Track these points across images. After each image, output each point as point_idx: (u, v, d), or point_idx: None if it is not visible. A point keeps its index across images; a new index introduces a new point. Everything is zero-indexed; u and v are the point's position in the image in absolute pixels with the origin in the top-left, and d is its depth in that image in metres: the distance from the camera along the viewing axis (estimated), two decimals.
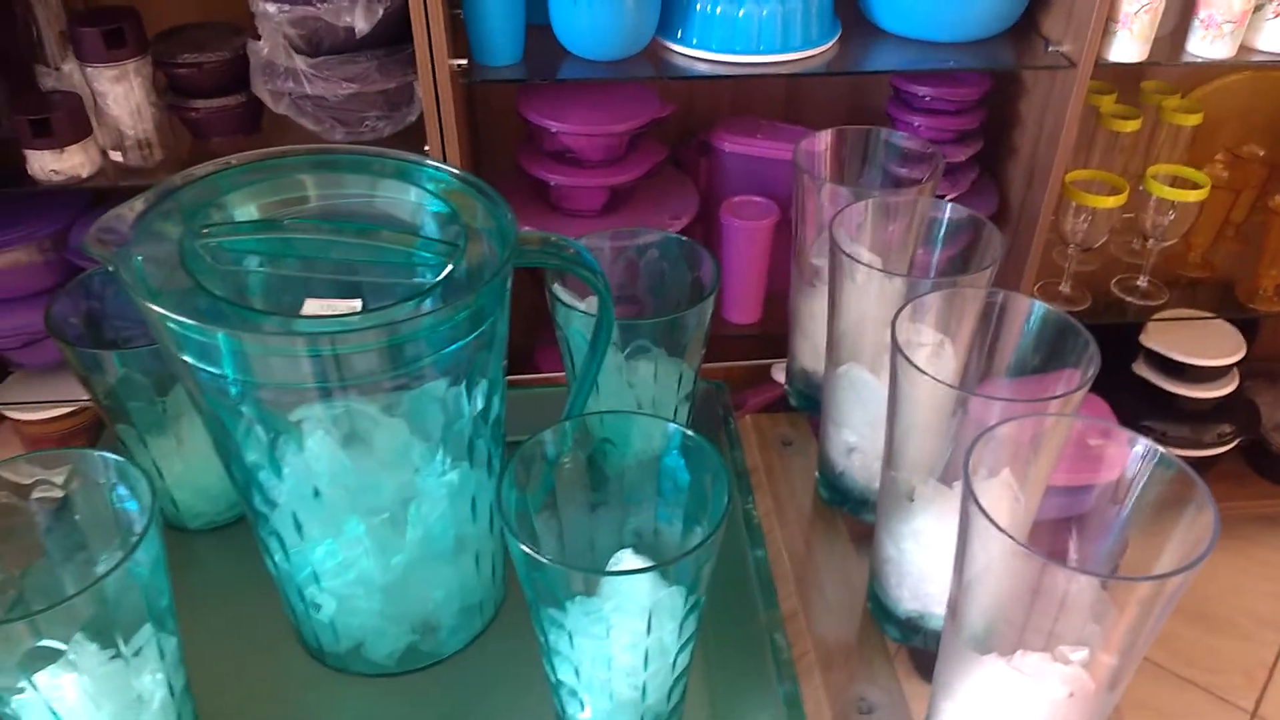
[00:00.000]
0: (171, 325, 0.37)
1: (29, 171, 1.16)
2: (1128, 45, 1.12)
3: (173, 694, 0.43)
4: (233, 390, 0.39)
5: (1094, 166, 1.33)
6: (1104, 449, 0.40)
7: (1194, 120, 1.29)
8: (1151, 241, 1.31)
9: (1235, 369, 1.44)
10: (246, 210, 0.42)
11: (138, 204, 0.41)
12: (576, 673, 0.43)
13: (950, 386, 0.43)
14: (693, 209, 1.29)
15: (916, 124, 1.25)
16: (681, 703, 0.46)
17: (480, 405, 0.43)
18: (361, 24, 1.13)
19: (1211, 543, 0.35)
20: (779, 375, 0.71)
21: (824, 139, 0.60)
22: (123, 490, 0.41)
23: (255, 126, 1.28)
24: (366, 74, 1.18)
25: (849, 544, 0.58)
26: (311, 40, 1.16)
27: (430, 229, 0.43)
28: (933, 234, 0.54)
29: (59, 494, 0.41)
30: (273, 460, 0.42)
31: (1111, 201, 1.23)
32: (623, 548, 0.44)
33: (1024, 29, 1.21)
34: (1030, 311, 0.47)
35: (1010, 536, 0.35)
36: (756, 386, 0.78)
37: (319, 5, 1.13)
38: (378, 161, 0.43)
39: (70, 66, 1.18)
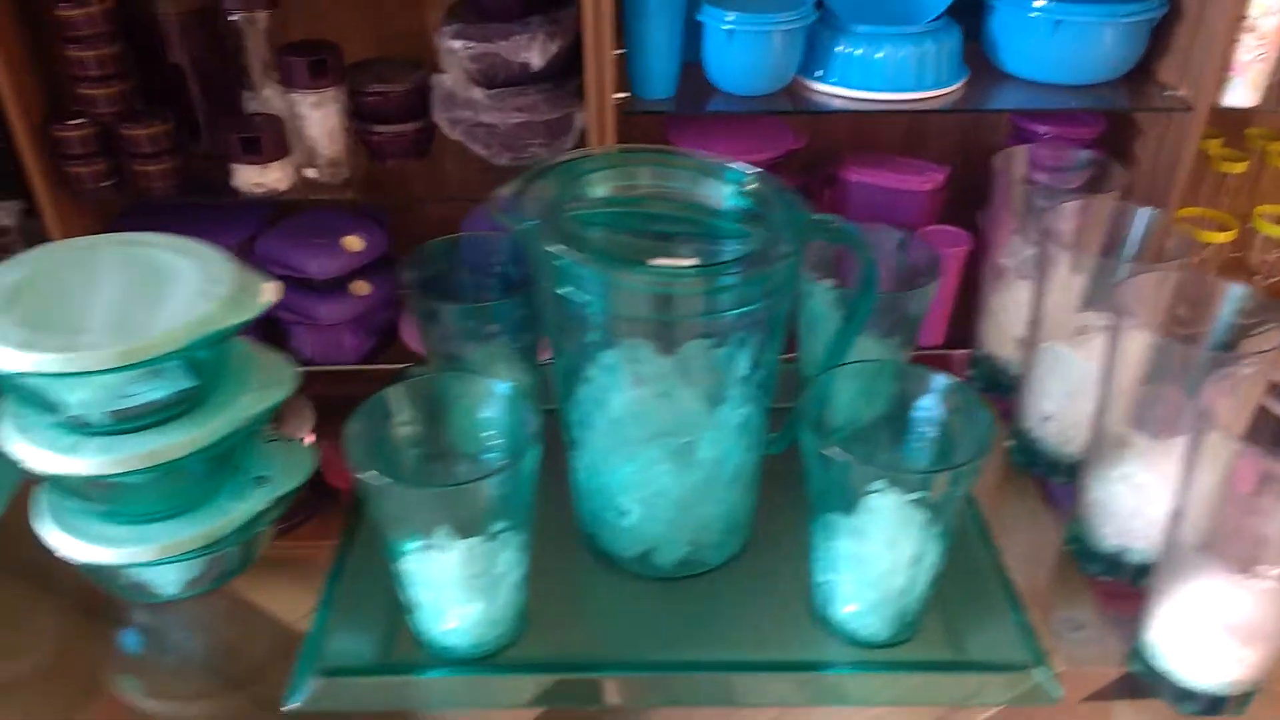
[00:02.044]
0: (560, 263, 0.47)
1: (234, 184, 1.30)
2: (1241, 92, 1.21)
3: (521, 577, 0.53)
4: (594, 317, 0.49)
5: (1201, 206, 1.41)
6: None
7: None
8: (1258, 278, 1.39)
9: None
10: (598, 190, 0.53)
11: (515, 185, 0.52)
12: (845, 571, 0.53)
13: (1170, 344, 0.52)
14: None
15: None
16: (924, 612, 0.55)
17: (768, 356, 0.54)
18: (536, 60, 1.26)
19: None
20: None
21: (1021, 155, 0.70)
22: (521, 410, 0.51)
23: (426, 151, 1.41)
24: (535, 105, 1.31)
25: (1039, 502, 0.66)
26: (488, 74, 1.29)
27: (735, 210, 0.54)
28: (1119, 231, 0.63)
29: None
30: (604, 387, 0.53)
31: (1222, 237, 1.31)
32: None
33: (1140, 74, 1.31)
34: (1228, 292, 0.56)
35: (1240, 441, 0.45)
36: None
37: (499, 43, 1.26)
38: (694, 161, 0.54)
39: (270, 92, 1.32)
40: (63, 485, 0.53)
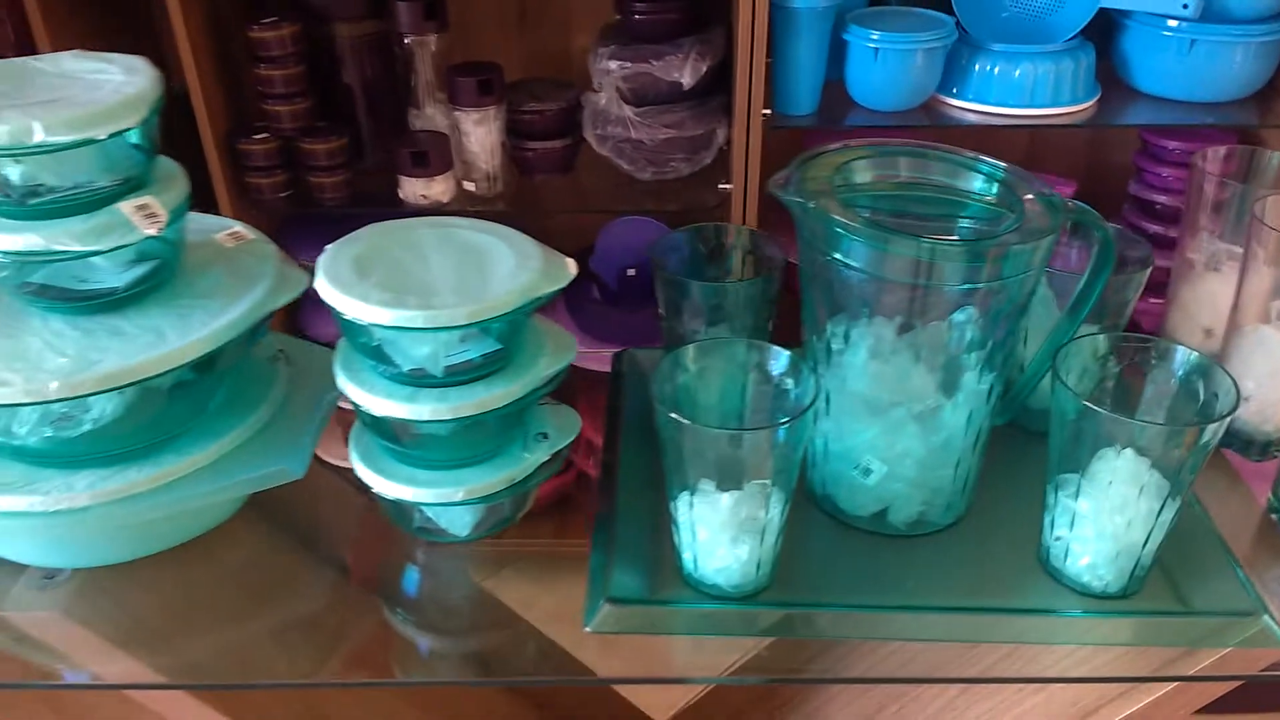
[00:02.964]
0: (838, 229, 0.54)
1: (400, 195, 1.40)
2: None
3: (782, 526, 0.59)
4: (859, 287, 0.56)
5: None
6: None
7: None
8: None
9: None
10: (861, 177, 0.60)
11: (787, 170, 0.59)
12: (1080, 528, 0.58)
13: None
14: None
15: (1165, 175, 1.39)
16: (1151, 567, 0.60)
17: (1014, 329, 0.59)
18: (688, 79, 1.34)
19: None
20: None
21: (1216, 156, 0.76)
22: (792, 381, 0.58)
23: (571, 166, 1.50)
24: (682, 121, 1.38)
25: (1234, 473, 0.71)
26: (639, 92, 1.37)
27: (989, 198, 0.60)
28: None
29: None
30: (858, 355, 0.59)
31: None
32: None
33: (1270, 92, 1.35)
34: None
35: None
36: None
37: (653, 63, 1.34)
38: (948, 155, 0.60)
39: (433, 110, 1.42)
40: (381, 429, 0.60)
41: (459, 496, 0.60)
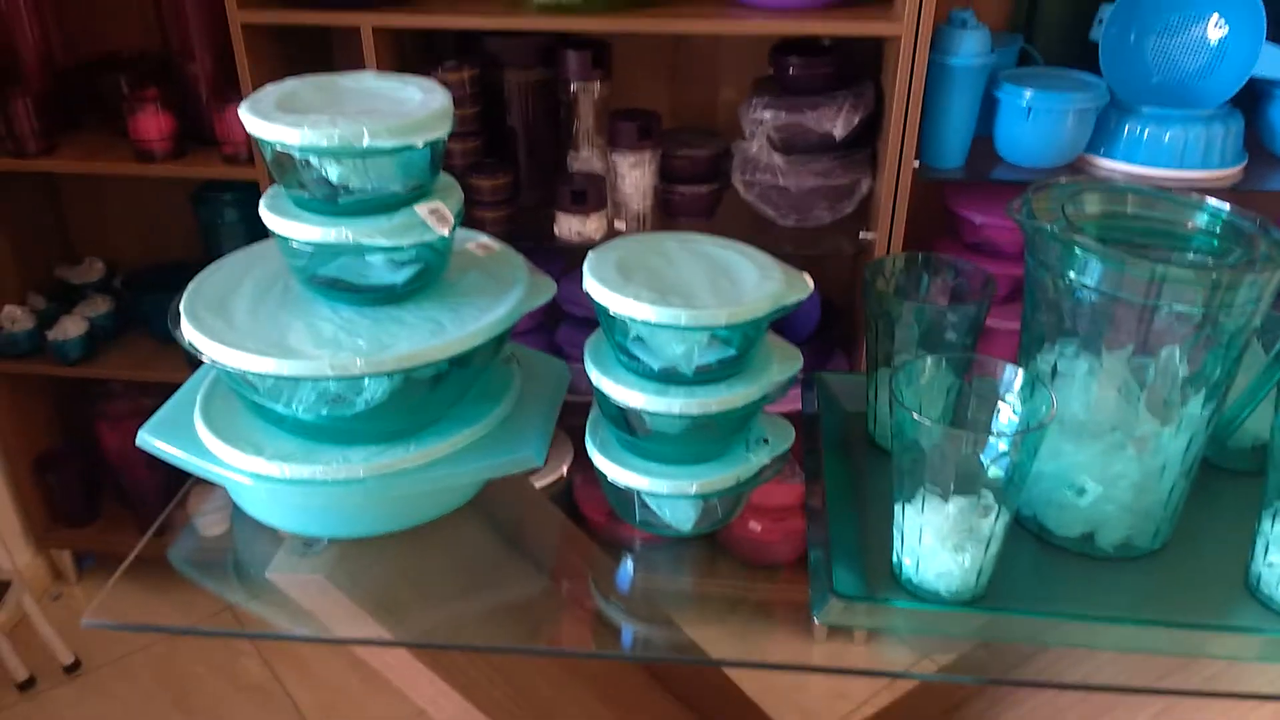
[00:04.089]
0: (1078, 252, 0.58)
1: (556, 231, 1.47)
2: None
3: (1001, 542, 0.62)
4: (1080, 296, 0.59)
5: None
6: None
7: None
8: None
9: None
10: (1091, 208, 0.64)
11: (1022, 198, 0.63)
12: None
13: None
14: None
15: None
16: None
17: (1232, 359, 0.62)
18: (840, 131, 1.40)
19: None
20: None
21: None
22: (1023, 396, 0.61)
23: (713, 212, 1.56)
24: (830, 170, 1.44)
25: None
26: (788, 142, 1.44)
27: (1214, 232, 0.63)
28: None
29: None
30: (1081, 378, 0.62)
31: None
32: None
33: None
34: None
35: None
36: None
37: (806, 114, 1.40)
38: (1174, 195, 0.64)
39: (589, 152, 1.50)
40: (619, 423, 0.65)
41: (692, 490, 0.65)
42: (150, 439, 0.67)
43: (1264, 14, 1.26)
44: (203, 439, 0.66)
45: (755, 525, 0.73)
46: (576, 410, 0.75)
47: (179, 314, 0.66)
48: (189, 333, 0.64)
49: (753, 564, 0.75)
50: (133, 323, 1.75)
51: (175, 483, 0.76)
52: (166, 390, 0.72)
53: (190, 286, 0.68)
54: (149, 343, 1.72)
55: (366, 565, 0.69)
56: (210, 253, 1.65)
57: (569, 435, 0.77)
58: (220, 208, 1.61)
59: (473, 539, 0.76)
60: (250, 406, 0.67)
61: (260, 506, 0.69)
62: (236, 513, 0.71)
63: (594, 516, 0.80)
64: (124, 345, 1.73)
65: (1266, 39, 1.27)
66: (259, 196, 0.66)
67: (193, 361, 0.65)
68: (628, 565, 0.74)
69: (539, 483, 0.81)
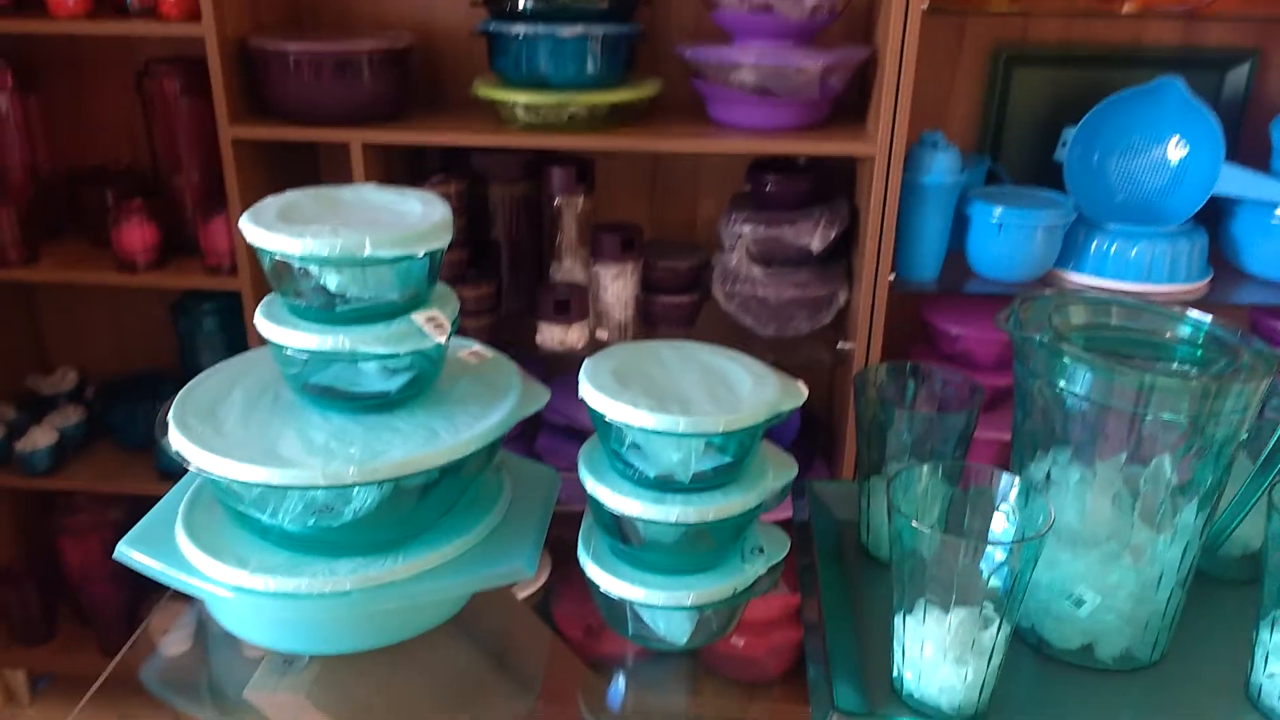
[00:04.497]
0: (1067, 361, 0.59)
1: (538, 340, 1.48)
2: None
3: (1002, 656, 0.61)
4: (1070, 405, 0.60)
5: None
6: None
7: None
8: None
9: None
10: (1076, 319, 0.65)
11: (1009, 310, 0.65)
12: None
13: None
14: None
15: None
16: None
17: (1223, 467, 0.63)
18: (817, 244, 1.43)
19: None
20: None
21: None
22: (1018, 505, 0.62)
23: (693, 322, 1.58)
24: (807, 282, 1.47)
25: None
26: (766, 255, 1.47)
27: (1197, 345, 0.65)
28: None
29: None
30: (1074, 487, 0.63)
31: None
32: None
33: None
34: None
35: None
36: None
37: (784, 228, 1.44)
38: (1157, 308, 0.66)
39: (572, 263, 1.52)
40: (612, 532, 0.65)
41: (689, 600, 0.64)
42: (129, 551, 0.65)
43: (1221, 136, 1.33)
44: (184, 551, 0.65)
45: (738, 640, 0.71)
46: (557, 521, 0.74)
47: (167, 422, 0.65)
48: (177, 441, 0.63)
49: (738, 681, 0.73)
50: (102, 433, 1.72)
51: (138, 601, 0.74)
52: (133, 503, 0.71)
53: (179, 394, 0.67)
54: (118, 454, 1.69)
55: (349, 684, 0.67)
56: (187, 363, 1.64)
57: (548, 547, 0.75)
58: (200, 318, 1.60)
59: (457, 655, 0.74)
60: (235, 517, 0.65)
61: (242, 622, 0.66)
62: (211, 630, 0.68)
63: (571, 633, 0.78)
64: (92, 456, 1.69)
65: (1225, 159, 1.33)
66: (240, 307, 0.66)
67: (167, 474, 0.64)
68: (619, 683, 0.72)
69: (520, 595, 0.79)
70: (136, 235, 1.49)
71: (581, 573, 0.68)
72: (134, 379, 1.76)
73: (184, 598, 0.74)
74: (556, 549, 0.77)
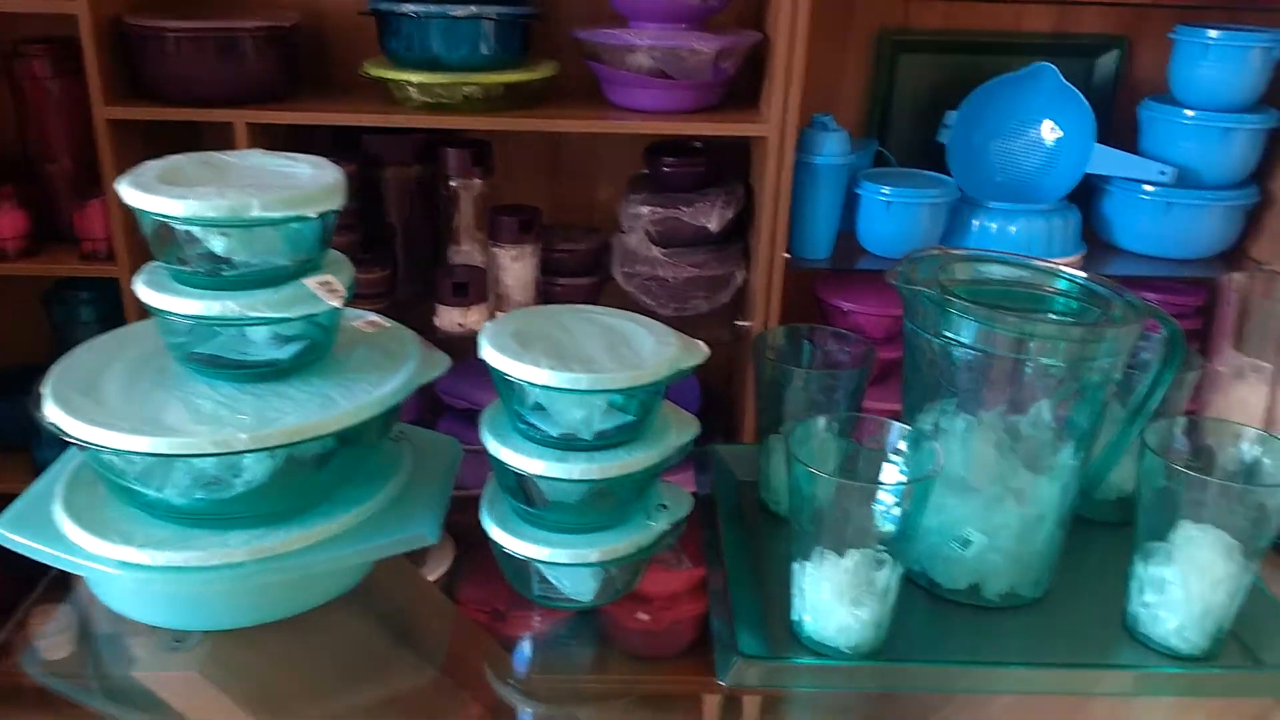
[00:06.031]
0: (953, 313, 0.61)
1: (436, 323, 1.46)
2: None
3: (896, 596, 0.63)
4: (956, 355, 0.63)
5: None
6: None
7: None
8: None
9: None
10: (961, 275, 0.68)
11: (900, 268, 0.67)
12: (1167, 593, 0.64)
13: None
14: None
15: None
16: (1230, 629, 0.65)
17: (1098, 410, 0.66)
18: (714, 225, 1.45)
19: None
20: None
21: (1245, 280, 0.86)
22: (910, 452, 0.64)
23: (595, 301, 1.57)
24: (705, 262, 1.49)
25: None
26: (665, 236, 1.48)
27: (1072, 297, 0.68)
28: None
29: None
30: (959, 434, 0.65)
31: None
32: None
33: (1237, 252, 1.50)
34: None
35: None
36: None
37: (682, 209, 1.45)
38: (1035, 263, 0.69)
39: (470, 246, 1.51)
40: (516, 494, 0.64)
41: (594, 558, 0.64)
42: (4, 533, 0.62)
43: (1093, 119, 1.40)
44: (64, 529, 0.62)
45: (643, 615, 0.72)
46: (459, 505, 0.73)
47: (40, 396, 0.62)
48: (53, 414, 0.60)
49: (641, 656, 0.74)
50: None
51: (10, 602, 0.70)
52: (5, 503, 0.67)
53: (55, 366, 0.64)
54: None
55: (244, 658, 0.65)
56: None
57: (451, 533, 0.74)
58: (76, 307, 1.53)
59: (358, 628, 0.72)
60: (119, 494, 0.63)
61: (128, 600, 0.64)
62: (96, 614, 0.65)
63: (478, 618, 0.77)
64: None
65: (1096, 141, 1.40)
66: (119, 295, 0.63)
67: (40, 468, 0.60)
68: (525, 647, 0.71)
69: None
70: (6, 222, 1.41)
71: (487, 556, 0.68)
72: (3, 375, 1.67)
73: (60, 593, 0.70)
74: (460, 534, 0.77)
